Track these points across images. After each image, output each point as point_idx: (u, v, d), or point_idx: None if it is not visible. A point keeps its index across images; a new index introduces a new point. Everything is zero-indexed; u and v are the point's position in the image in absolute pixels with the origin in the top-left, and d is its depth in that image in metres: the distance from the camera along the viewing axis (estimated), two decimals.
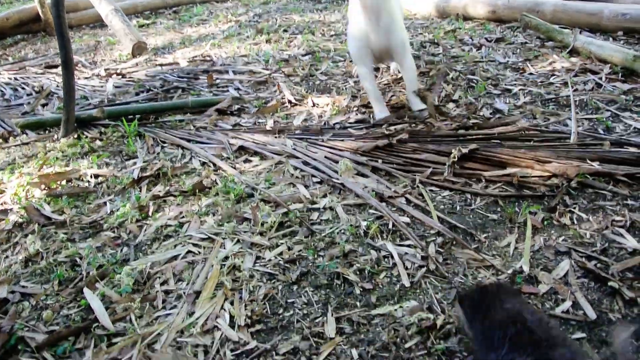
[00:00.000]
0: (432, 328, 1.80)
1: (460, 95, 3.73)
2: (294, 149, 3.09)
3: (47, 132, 4.02)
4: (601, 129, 3.14)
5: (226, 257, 2.28)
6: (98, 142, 3.68)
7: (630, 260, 2.05)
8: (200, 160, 3.21)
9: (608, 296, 1.92)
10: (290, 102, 3.92)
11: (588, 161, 2.67)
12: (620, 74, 3.95)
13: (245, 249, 2.32)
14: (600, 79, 3.89)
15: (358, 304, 1.97)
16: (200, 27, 7.36)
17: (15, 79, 5.51)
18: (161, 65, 5.43)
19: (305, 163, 2.95)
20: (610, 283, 1.94)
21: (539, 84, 3.87)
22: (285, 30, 6.35)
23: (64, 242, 2.58)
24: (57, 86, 5.02)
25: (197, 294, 2.11)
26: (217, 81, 4.64)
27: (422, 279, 2.04)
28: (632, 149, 2.81)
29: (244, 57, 5.42)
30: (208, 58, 5.49)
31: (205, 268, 2.24)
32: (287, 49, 5.55)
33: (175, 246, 2.44)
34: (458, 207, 2.49)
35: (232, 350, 1.83)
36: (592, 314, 1.83)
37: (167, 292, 2.16)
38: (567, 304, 1.88)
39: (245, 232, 2.44)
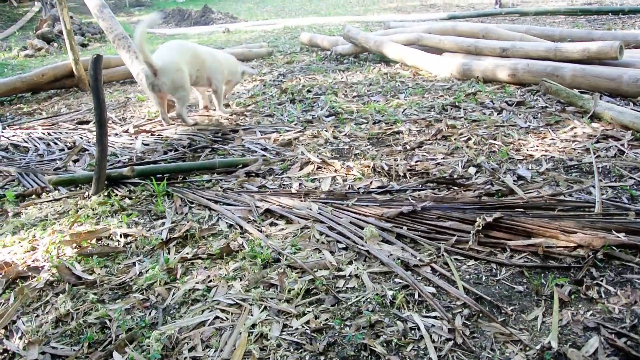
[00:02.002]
0: None
1: (483, 160, 3.78)
2: (320, 213, 3.15)
3: (78, 188, 4.14)
4: (625, 198, 3.16)
5: (254, 325, 2.30)
6: (127, 201, 3.78)
7: None
8: (227, 223, 3.28)
9: None
10: (314, 165, 4.01)
11: (614, 232, 2.68)
12: None
13: (272, 317, 2.35)
14: (623, 145, 3.93)
15: None
16: None
17: (49, 134, 5.72)
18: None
19: (331, 228, 3.00)
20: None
21: (561, 150, 3.92)
22: (308, 91, 6.54)
23: (93, 302, 2.63)
24: (89, 142, 5.20)
25: None
26: (244, 141, 4.77)
27: (449, 353, 2.04)
28: None
29: (269, 117, 5.57)
30: (234, 117, 5.66)
31: (234, 335, 2.26)
32: (310, 110, 5.70)
33: (203, 311, 2.47)
34: (483, 278, 2.51)
35: None
36: None
37: (195, 359, 2.18)
38: None
39: (272, 298, 2.47)
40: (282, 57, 9.45)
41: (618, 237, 2.64)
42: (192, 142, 4.92)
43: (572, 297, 2.31)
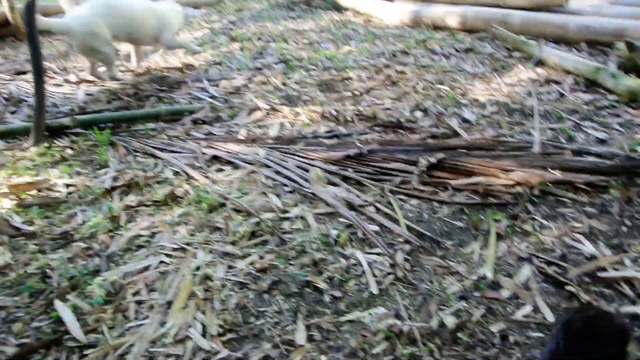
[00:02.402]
0: (400, 334, 1.86)
1: (430, 105, 3.82)
2: (267, 158, 3.13)
3: (16, 140, 3.98)
4: (563, 139, 3.26)
5: (198, 267, 2.30)
6: (69, 151, 3.65)
7: (586, 265, 2.15)
8: (172, 170, 3.22)
9: (566, 300, 2.00)
10: (263, 111, 3.96)
11: (550, 170, 2.77)
12: (582, 85, 4.10)
13: (217, 259, 2.35)
14: (564, 89, 4.03)
15: (328, 311, 2.02)
16: None
17: None
18: (134, 72, 5.41)
19: (277, 172, 2.99)
20: (568, 287, 2.03)
21: (506, 94, 3.99)
22: (259, 38, 6.40)
23: (34, 253, 2.56)
24: (27, 93, 4.96)
25: (169, 304, 2.13)
26: (191, 89, 4.65)
27: (390, 287, 2.10)
28: (591, 158, 2.93)
29: (218, 65, 5.44)
30: (181, 65, 5.50)
31: (178, 278, 2.26)
32: (260, 57, 5.59)
33: (147, 256, 2.45)
34: (426, 215, 2.57)
35: None
36: (550, 317, 1.91)
37: (139, 303, 2.18)
38: (528, 308, 1.96)
39: (217, 241, 2.47)
40: (233, 4, 9.16)
41: (554, 174, 2.74)
42: (137, 91, 4.76)
43: (509, 230, 2.40)
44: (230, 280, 2.22)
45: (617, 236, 2.35)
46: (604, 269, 2.14)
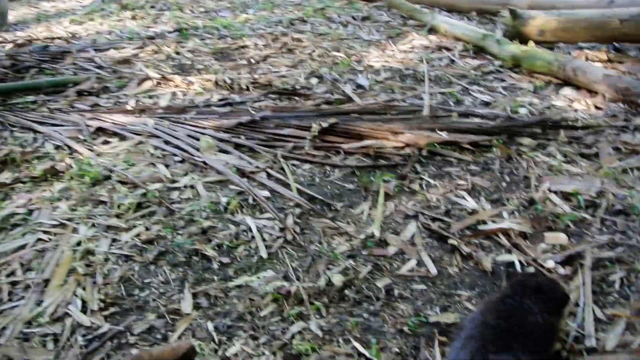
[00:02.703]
0: (287, 295, 1.85)
1: (325, 71, 3.82)
2: (156, 128, 3.00)
3: None
4: (452, 102, 3.38)
5: (79, 243, 2.17)
6: None
7: (468, 219, 2.25)
8: (54, 144, 3.01)
9: (448, 253, 2.08)
10: (153, 81, 3.78)
11: (437, 131, 2.86)
12: (471, 51, 4.26)
13: (100, 233, 2.23)
14: (454, 55, 4.17)
15: (215, 278, 1.98)
16: (58, 1, 6.84)
17: None
18: (13, 42, 4.98)
19: (167, 142, 2.88)
20: (450, 241, 2.11)
21: (399, 60, 4.07)
22: (152, 7, 6.10)
23: None
24: None
25: (47, 282, 1.99)
26: (77, 60, 4.35)
27: (279, 250, 2.09)
28: (476, 120, 3.06)
29: (107, 34, 5.13)
30: (67, 35, 5.13)
31: (56, 255, 2.12)
32: (153, 25, 5.34)
33: (23, 235, 2.28)
34: (317, 179, 2.57)
35: (83, 336, 1.76)
36: (433, 270, 1.98)
37: (13, 284, 2.03)
38: (413, 263, 2.03)
39: (101, 215, 2.34)
40: None
41: (441, 135, 2.83)
42: (15, 62, 4.38)
43: (397, 190, 2.46)
44: (114, 253, 2.12)
45: (497, 191, 2.47)
46: (484, 222, 2.25)
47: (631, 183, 2.47)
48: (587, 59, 4.01)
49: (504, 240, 2.16)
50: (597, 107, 3.29)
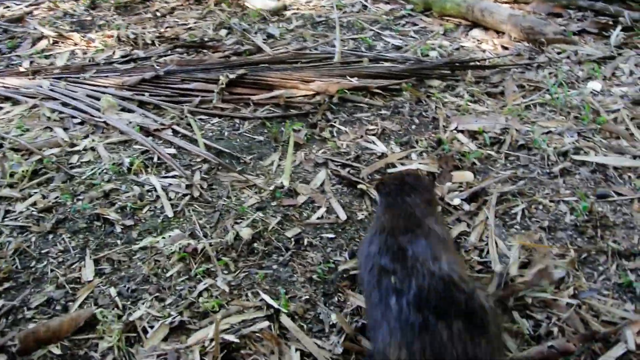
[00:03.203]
0: (194, 253, 1.80)
1: (235, 22, 3.67)
2: (52, 90, 2.79)
3: None
4: (364, 48, 3.34)
5: None
6: None
7: (377, 163, 2.25)
8: None
9: (358, 198, 2.09)
10: (49, 39, 3.51)
11: (348, 78, 2.83)
12: None
13: None
14: (366, 1, 4.11)
15: (119, 242, 1.89)
16: None
17: None
18: None
19: (65, 104, 2.69)
20: (359, 186, 2.11)
21: (311, 7, 3.97)
22: None
23: None
24: None
25: None
26: None
27: (185, 207, 2.03)
28: (386, 64, 3.04)
29: None
30: None
31: None
32: None
33: None
34: (226, 133, 2.49)
35: None
36: (343, 216, 1.98)
37: None
38: (322, 210, 2.01)
39: None
40: None
41: (351, 81, 2.80)
42: None
43: (307, 139, 2.42)
44: (7, 226, 1.98)
45: (406, 134, 2.48)
46: (393, 165, 2.26)
47: (533, 118, 2.55)
48: (495, 0, 4.06)
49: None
50: (503, 47, 3.35)
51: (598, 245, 1.85)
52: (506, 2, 4.03)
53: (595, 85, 2.88)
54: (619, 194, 2.10)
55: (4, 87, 2.89)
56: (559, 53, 3.22)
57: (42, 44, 3.47)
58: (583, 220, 1.95)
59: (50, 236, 1.93)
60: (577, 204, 2.01)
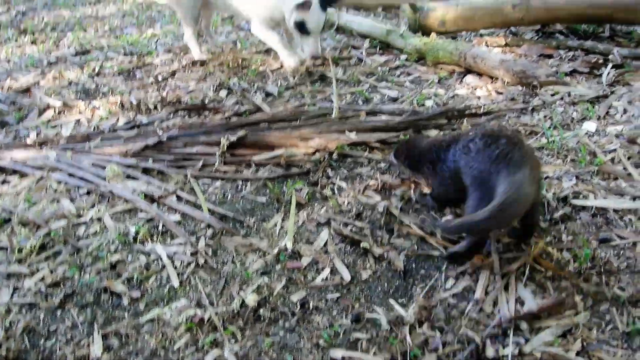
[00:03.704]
0: (201, 323, 1.82)
1: (234, 82, 3.77)
2: (58, 161, 2.86)
3: None
4: (361, 101, 3.42)
5: None
6: None
7: (380, 220, 2.27)
8: None
9: (361, 256, 2.10)
10: (55, 109, 3.61)
11: (346, 133, 2.89)
12: (378, 47, 4.33)
13: (0, 282, 2.11)
14: (362, 53, 4.22)
15: (126, 314, 1.91)
16: None
17: None
18: None
19: (71, 175, 2.75)
20: (362, 244, 2.13)
21: (308, 64, 4.06)
22: (53, 29, 5.83)
23: None
24: None
25: None
26: None
27: (191, 275, 2.05)
28: (383, 117, 3.10)
29: (6, 63, 4.86)
30: None
31: None
32: (55, 49, 5.10)
33: None
34: (229, 195, 2.54)
35: None
36: (347, 276, 2.00)
37: None
38: (326, 272, 2.03)
39: (1, 263, 2.21)
40: None
41: (350, 136, 2.85)
42: None
43: (309, 198, 2.46)
44: (16, 303, 2.01)
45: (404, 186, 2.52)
46: (393, 215, 2.29)
47: None
48: (487, 45, 4.17)
49: (417, 231, 2.21)
50: (497, 92, 3.42)
51: (604, 292, 1.85)
52: (498, 46, 4.14)
53: (590, 125, 2.93)
54: (621, 237, 2.11)
55: (13, 160, 2.97)
56: (552, 95, 3.28)
57: (48, 114, 3.57)
58: (586, 267, 1.96)
59: (59, 312, 1.96)
60: (579, 251, 2.02)
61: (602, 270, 1.95)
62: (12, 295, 2.05)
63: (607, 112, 3.05)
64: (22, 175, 2.85)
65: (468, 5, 4.27)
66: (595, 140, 2.76)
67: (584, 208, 2.27)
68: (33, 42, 5.40)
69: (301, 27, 3.60)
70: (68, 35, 5.52)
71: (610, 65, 3.57)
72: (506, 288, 1.89)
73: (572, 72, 3.58)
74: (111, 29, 5.68)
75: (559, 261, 2.00)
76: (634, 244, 2.07)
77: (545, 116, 3.06)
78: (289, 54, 3.89)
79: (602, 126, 2.91)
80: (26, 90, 4.06)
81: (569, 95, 3.25)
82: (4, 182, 2.84)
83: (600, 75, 3.50)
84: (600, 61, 3.66)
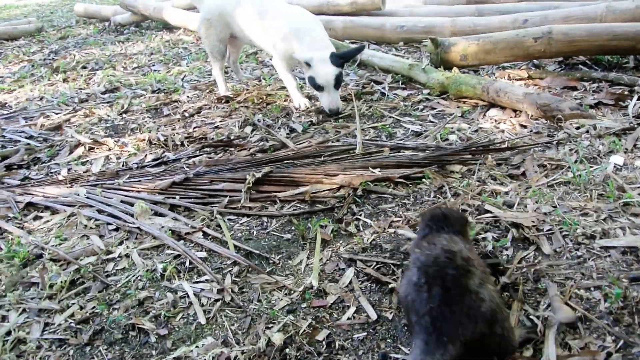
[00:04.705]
0: None
1: (259, 118, 3.84)
2: (88, 197, 2.93)
3: None
4: (384, 136, 3.44)
5: (9, 332, 2.08)
6: None
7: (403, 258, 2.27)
8: None
9: (387, 295, 2.09)
10: (85, 146, 3.72)
11: (370, 169, 2.90)
12: (400, 82, 4.38)
13: (32, 318, 2.15)
14: (384, 88, 4.26)
15: (154, 352, 1.92)
16: None
17: None
18: None
19: (100, 211, 2.82)
20: (388, 283, 2.12)
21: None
22: (84, 67, 6.04)
23: None
24: None
25: None
26: (5, 132, 4.25)
27: (217, 313, 2.06)
28: (407, 152, 3.12)
29: (38, 100, 5.04)
30: None
31: None
32: (86, 87, 5.27)
33: None
34: (255, 232, 2.56)
35: None
36: (373, 315, 1.99)
37: None
38: (352, 310, 2.02)
39: (32, 298, 2.26)
40: (55, 32, 8.57)
41: (374, 172, 2.87)
42: None
43: (334, 235, 2.47)
44: (46, 339, 2.04)
45: None
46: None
47: (557, 200, 2.56)
48: (509, 78, 4.18)
49: None
50: (522, 126, 3.41)
51: (636, 333, 1.81)
52: (520, 79, 4.14)
53: (617, 159, 2.89)
54: None
55: (44, 196, 3.05)
56: (577, 128, 3.26)
57: (79, 151, 3.68)
58: (618, 307, 1.92)
59: (88, 348, 1.98)
60: (610, 290, 1.98)
61: (634, 310, 1.90)
62: (42, 331, 2.08)
63: (635, 145, 3.01)
64: (54, 211, 2.92)
65: (489, 39, 4.29)
66: (623, 175, 2.73)
67: (613, 246, 2.22)
68: (65, 80, 5.60)
69: (312, 82, 3.66)
70: (98, 73, 5.71)
71: (636, 96, 3.54)
72: None
73: (597, 104, 3.56)
74: (139, 66, 5.86)
75: (589, 300, 1.96)
76: None
77: (570, 150, 3.03)
78: (300, 97, 3.95)
79: (630, 159, 2.87)
80: (58, 128, 4.20)
81: (595, 128, 3.22)
82: (36, 218, 2.92)
83: (626, 107, 3.47)
84: (626, 92, 3.63)
